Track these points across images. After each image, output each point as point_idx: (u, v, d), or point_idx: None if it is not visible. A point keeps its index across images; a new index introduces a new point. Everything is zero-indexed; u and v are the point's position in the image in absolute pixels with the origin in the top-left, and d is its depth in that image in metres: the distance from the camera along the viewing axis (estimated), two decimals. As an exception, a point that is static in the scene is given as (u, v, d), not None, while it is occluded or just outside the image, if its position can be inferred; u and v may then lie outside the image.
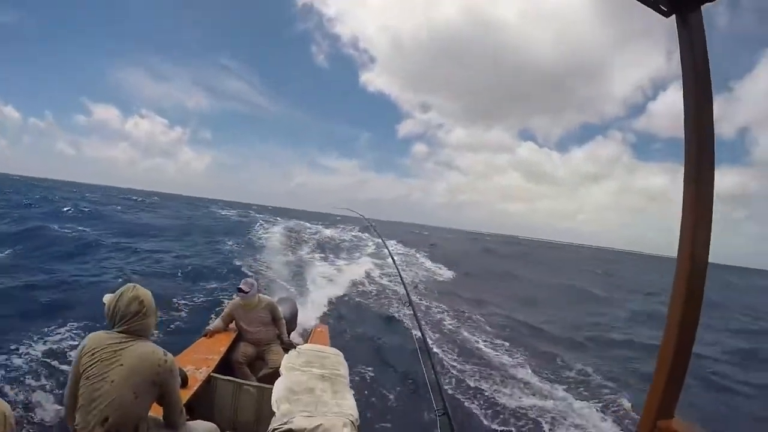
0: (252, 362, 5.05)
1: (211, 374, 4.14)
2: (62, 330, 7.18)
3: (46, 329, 7.11)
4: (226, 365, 4.70)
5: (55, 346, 6.52)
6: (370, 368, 7.59)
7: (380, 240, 8.05)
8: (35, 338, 6.72)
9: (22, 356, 6.13)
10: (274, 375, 4.24)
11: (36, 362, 6.00)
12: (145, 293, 2.41)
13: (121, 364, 2.21)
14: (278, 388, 3.70)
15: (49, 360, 6.07)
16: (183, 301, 9.75)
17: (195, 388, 3.77)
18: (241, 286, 5.23)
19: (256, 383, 4.27)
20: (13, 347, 6.32)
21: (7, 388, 5.30)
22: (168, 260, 14.86)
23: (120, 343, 2.26)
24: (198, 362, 4.26)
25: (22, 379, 5.56)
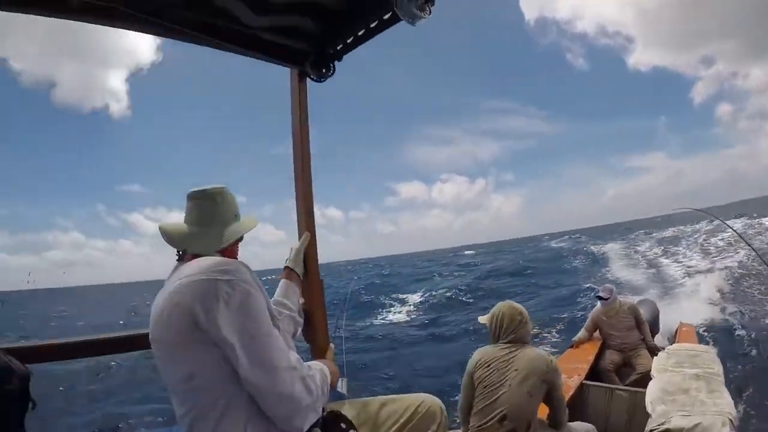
0: (619, 369, 4.97)
1: (583, 382, 4.26)
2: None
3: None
4: (594, 373, 4.75)
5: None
6: (745, 361, 6.69)
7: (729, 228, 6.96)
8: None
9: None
10: (643, 379, 4.11)
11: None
12: (519, 305, 2.76)
13: (516, 369, 2.52)
14: (651, 390, 3.55)
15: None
16: (553, 319, 10.88)
17: (568, 395, 3.92)
18: (600, 294, 5.27)
19: (628, 388, 4.19)
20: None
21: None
22: (536, 290, 16.84)
23: (510, 352, 2.60)
24: (569, 371, 4.40)
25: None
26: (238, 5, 1.87)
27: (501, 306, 2.74)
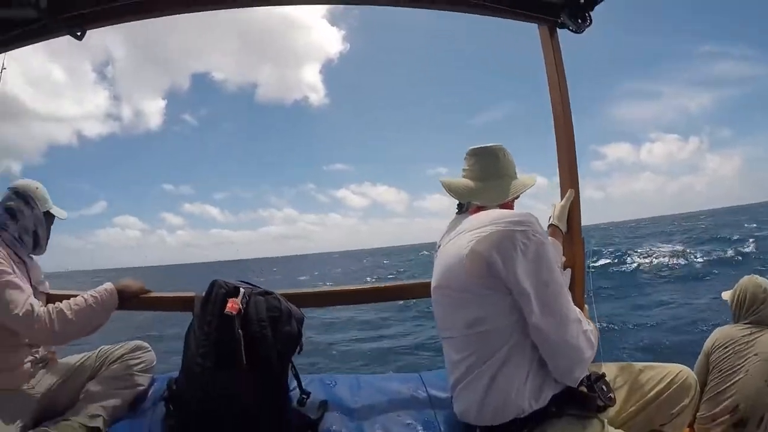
0: None
1: None
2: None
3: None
4: None
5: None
6: None
7: None
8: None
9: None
10: None
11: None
12: (765, 281, 2.43)
13: (756, 354, 2.23)
14: None
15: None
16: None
17: None
18: None
19: None
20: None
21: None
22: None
23: (751, 333, 2.31)
24: None
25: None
26: None
27: (744, 281, 2.49)
